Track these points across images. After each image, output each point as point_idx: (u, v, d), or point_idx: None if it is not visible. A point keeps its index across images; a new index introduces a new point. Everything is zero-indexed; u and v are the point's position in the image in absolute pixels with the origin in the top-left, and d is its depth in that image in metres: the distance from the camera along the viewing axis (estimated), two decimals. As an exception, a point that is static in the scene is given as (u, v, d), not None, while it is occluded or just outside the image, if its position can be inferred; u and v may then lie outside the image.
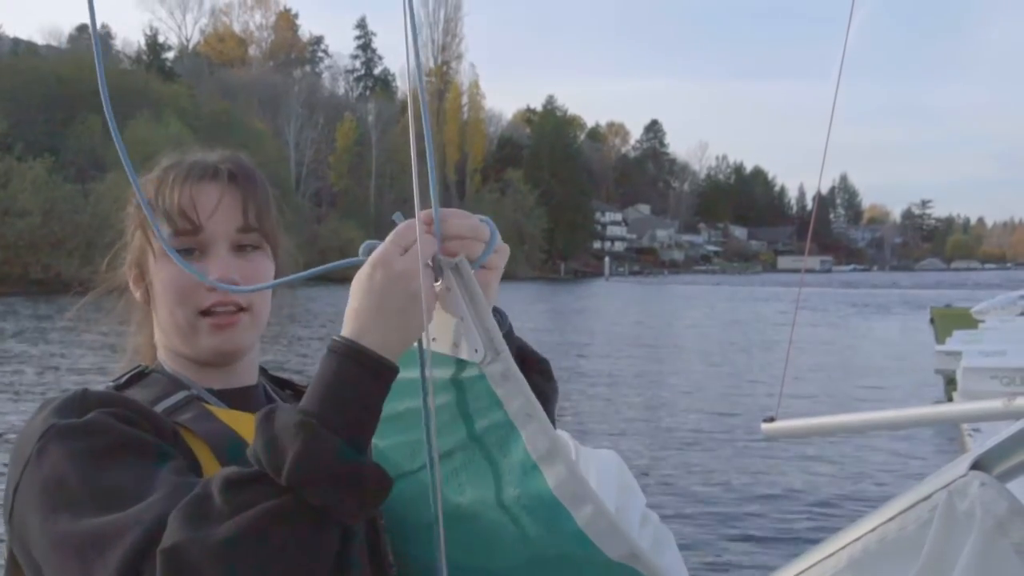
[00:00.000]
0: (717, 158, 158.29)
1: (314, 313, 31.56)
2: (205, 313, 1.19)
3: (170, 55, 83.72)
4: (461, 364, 1.03)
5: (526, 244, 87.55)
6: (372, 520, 1.14)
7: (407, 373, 1.01)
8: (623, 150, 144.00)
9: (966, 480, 1.03)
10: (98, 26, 0.96)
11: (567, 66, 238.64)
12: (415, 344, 1.02)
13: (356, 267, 1.03)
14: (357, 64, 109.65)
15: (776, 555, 7.56)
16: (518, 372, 1.00)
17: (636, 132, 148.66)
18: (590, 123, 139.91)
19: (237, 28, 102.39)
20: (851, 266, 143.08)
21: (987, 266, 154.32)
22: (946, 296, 47.80)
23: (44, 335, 24.24)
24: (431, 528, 1.01)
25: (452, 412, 1.05)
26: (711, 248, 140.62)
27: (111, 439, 1.02)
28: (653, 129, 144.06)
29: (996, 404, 1.89)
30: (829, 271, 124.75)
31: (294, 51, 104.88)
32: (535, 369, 1.26)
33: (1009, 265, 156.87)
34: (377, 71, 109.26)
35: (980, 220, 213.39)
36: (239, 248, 1.22)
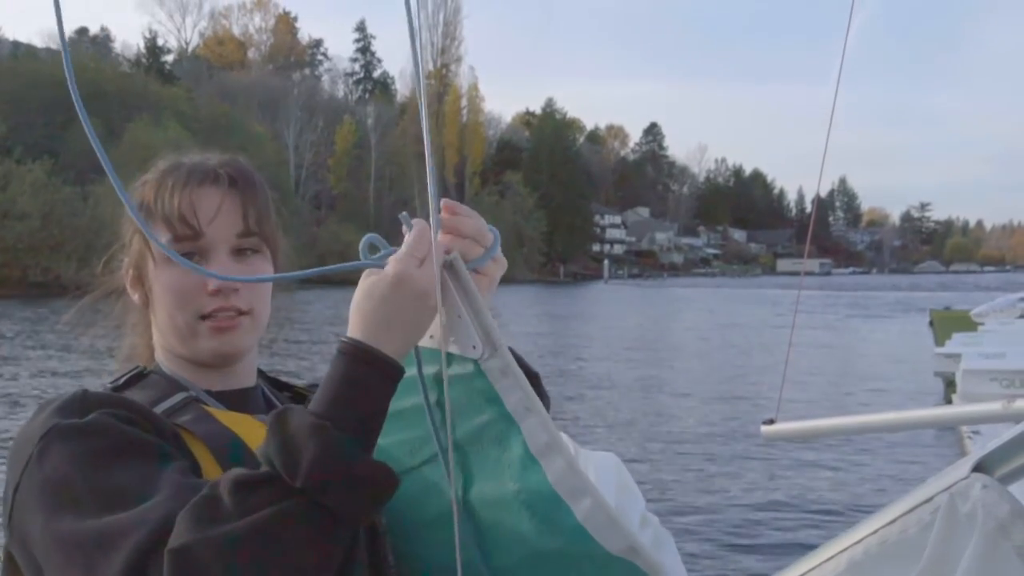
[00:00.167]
0: (716, 161, 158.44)
1: (311, 316, 31.52)
2: (205, 317, 1.19)
3: (169, 58, 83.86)
4: (459, 360, 1.04)
5: (525, 247, 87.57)
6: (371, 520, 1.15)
7: (407, 371, 1.02)
8: (622, 153, 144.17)
9: (968, 482, 1.03)
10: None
11: (566, 69, 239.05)
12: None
13: (362, 270, 1.04)
14: (356, 67, 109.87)
15: (775, 558, 7.55)
16: (516, 367, 1.01)
17: (635, 135, 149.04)
18: (589, 126, 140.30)
19: (236, 31, 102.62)
20: (850, 269, 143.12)
21: (986, 269, 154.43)
22: (945, 298, 47.81)
23: (40, 339, 24.23)
24: (432, 526, 1.01)
25: (451, 408, 1.05)
26: (710, 251, 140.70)
27: (114, 440, 1.02)
28: (652, 132, 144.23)
29: (996, 406, 1.89)
30: (828, 274, 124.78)
31: (293, 54, 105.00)
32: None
33: (1008, 268, 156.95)
34: (376, 74, 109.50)
35: (979, 223, 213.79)
36: (239, 252, 1.22)
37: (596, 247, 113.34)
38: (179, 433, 1.10)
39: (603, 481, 1.45)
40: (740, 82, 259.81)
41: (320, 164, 79.38)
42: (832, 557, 1.15)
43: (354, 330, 1.00)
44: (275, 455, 0.92)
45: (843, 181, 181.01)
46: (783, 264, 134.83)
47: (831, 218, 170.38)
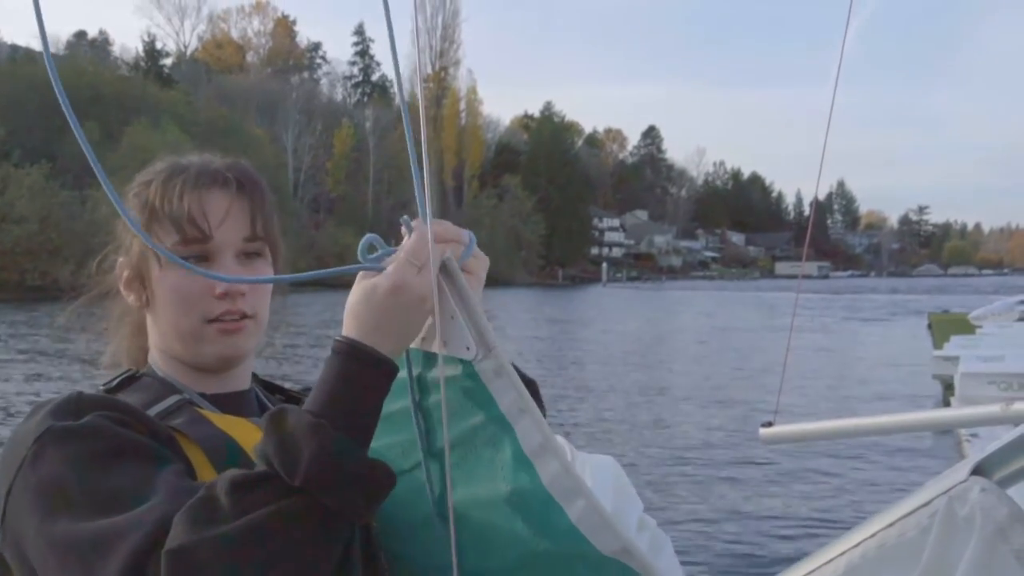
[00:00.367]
0: (715, 164, 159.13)
1: (306, 320, 31.50)
2: (211, 321, 1.19)
3: (168, 61, 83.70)
4: (451, 362, 1.03)
5: (523, 250, 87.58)
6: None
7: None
8: (621, 156, 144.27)
9: (966, 485, 1.03)
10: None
11: (565, 72, 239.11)
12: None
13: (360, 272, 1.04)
14: (355, 70, 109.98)
15: (774, 561, 7.55)
16: (511, 367, 1.01)
17: (634, 138, 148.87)
18: (588, 129, 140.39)
19: (235, 34, 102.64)
20: (849, 272, 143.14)
21: (984, 272, 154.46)
22: (943, 301, 47.86)
23: (33, 342, 24.20)
24: (424, 527, 1.01)
25: (441, 411, 1.04)
26: (709, 254, 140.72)
27: (109, 442, 1.01)
28: (651, 135, 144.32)
29: (994, 409, 1.89)
30: (827, 277, 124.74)
31: (292, 57, 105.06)
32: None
33: (1006, 271, 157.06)
34: (375, 77, 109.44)
35: (977, 226, 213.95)
36: (244, 256, 1.22)
37: (594, 250, 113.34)
38: (174, 436, 1.10)
39: (600, 484, 1.45)
40: (738, 85, 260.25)
41: (318, 167, 79.35)
42: (830, 560, 1.15)
43: (349, 330, 1.00)
44: (273, 454, 0.92)
45: (841, 184, 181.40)
46: (781, 267, 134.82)
47: (829, 221, 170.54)
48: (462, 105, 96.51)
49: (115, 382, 1.22)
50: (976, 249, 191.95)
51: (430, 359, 1.06)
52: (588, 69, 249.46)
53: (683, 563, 1.30)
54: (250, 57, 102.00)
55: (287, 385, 1.41)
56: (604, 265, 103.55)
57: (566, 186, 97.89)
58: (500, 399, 1.00)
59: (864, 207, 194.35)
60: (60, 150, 48.44)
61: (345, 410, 0.96)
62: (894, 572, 1.07)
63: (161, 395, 1.18)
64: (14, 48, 73.52)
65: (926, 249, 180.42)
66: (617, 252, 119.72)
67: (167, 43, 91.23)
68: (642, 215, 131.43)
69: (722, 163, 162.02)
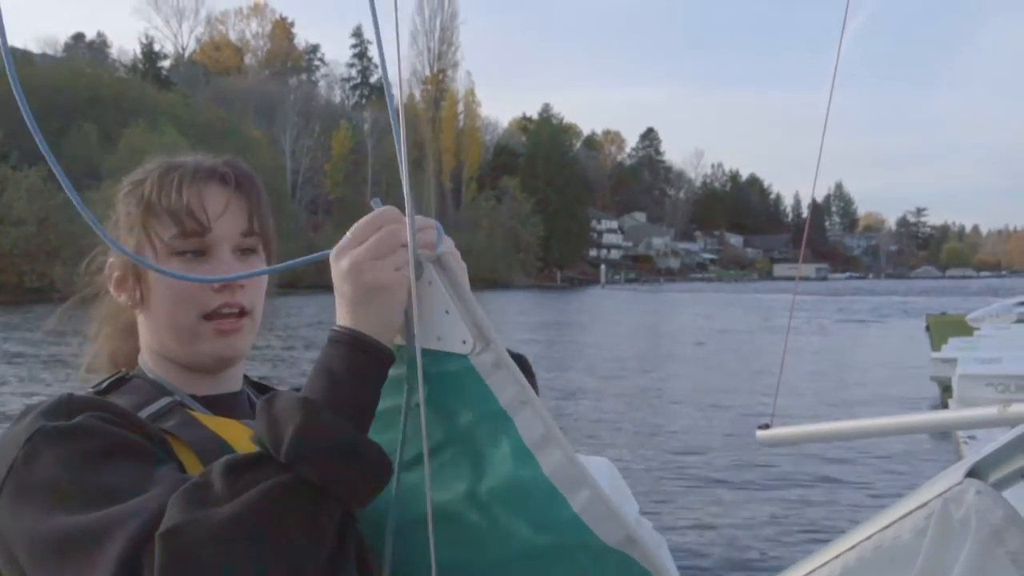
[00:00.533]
0: (713, 166, 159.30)
1: (298, 321, 31.47)
2: (209, 317, 1.19)
3: (166, 63, 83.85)
4: (444, 358, 1.02)
5: (522, 252, 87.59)
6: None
7: (393, 371, 1.02)
8: (619, 158, 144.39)
9: (961, 488, 1.02)
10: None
11: (563, 74, 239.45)
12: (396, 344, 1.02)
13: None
14: (353, 72, 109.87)
15: (770, 564, 7.55)
16: (510, 360, 1.00)
17: (632, 140, 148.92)
18: (586, 131, 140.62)
19: (233, 36, 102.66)
20: (847, 274, 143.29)
21: (982, 274, 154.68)
22: (941, 303, 47.86)
23: (32, 344, 24.17)
24: (414, 527, 1.00)
25: (437, 407, 1.03)
26: (707, 256, 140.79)
27: (103, 441, 1.01)
28: (649, 137, 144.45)
29: (991, 411, 1.88)
30: (825, 279, 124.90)
31: (290, 59, 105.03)
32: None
33: (1004, 273, 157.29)
34: (373, 79, 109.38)
35: (975, 228, 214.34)
36: (240, 252, 1.22)
37: (593, 252, 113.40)
38: (166, 439, 1.09)
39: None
40: (737, 86, 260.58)
41: (317, 169, 79.39)
42: (826, 563, 1.15)
43: (338, 316, 1.02)
44: (263, 434, 0.93)
45: (839, 186, 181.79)
46: (780, 269, 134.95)
47: (827, 223, 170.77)
48: (460, 107, 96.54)
49: (104, 384, 1.20)
50: (974, 251, 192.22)
51: (425, 355, 1.04)
52: (586, 71, 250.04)
53: (678, 565, 1.30)
54: (248, 59, 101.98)
55: (282, 388, 1.41)
56: (602, 267, 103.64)
57: (564, 188, 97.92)
58: (499, 392, 0.99)
59: (862, 209, 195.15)
60: (58, 152, 48.07)
61: (333, 387, 0.96)
62: (890, 574, 1.07)
63: (152, 397, 1.17)
64: (11, 50, 73.48)
65: (924, 251, 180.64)
66: (615, 254, 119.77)
67: (165, 45, 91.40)
68: (640, 217, 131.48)
69: (720, 165, 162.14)
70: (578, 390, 17.92)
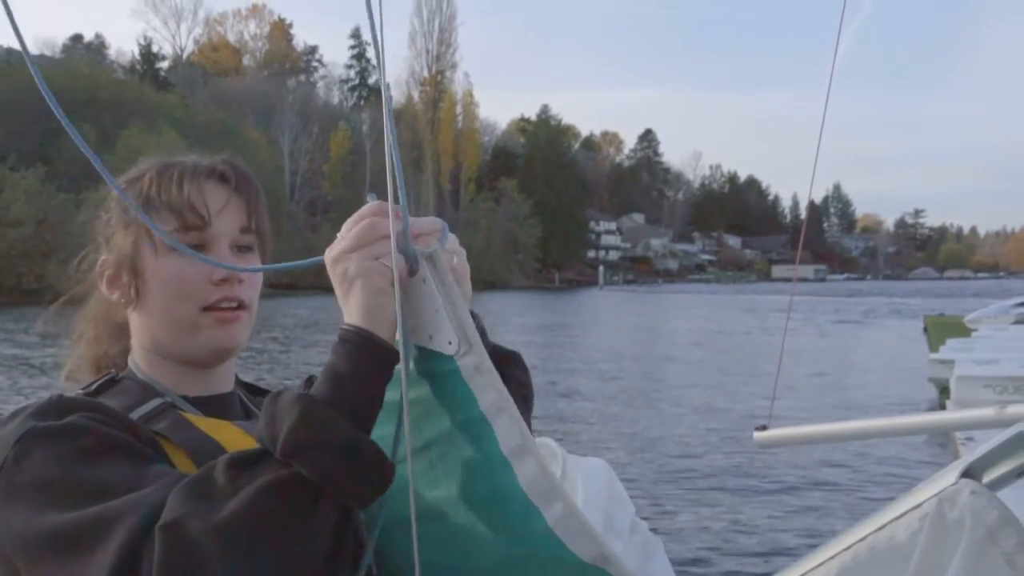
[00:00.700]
0: (711, 167, 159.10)
1: (294, 322, 31.44)
2: (208, 310, 1.19)
3: (164, 65, 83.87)
4: (436, 357, 1.01)
5: (520, 253, 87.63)
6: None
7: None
8: (617, 159, 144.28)
9: (956, 488, 1.03)
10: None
11: (561, 75, 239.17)
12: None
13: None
14: (351, 74, 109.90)
15: (767, 565, 7.54)
16: (491, 365, 0.99)
17: (630, 141, 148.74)
18: (584, 132, 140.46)
19: (231, 38, 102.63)
20: (845, 275, 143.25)
21: (980, 275, 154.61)
22: (939, 304, 47.89)
23: (29, 346, 24.14)
24: (406, 524, 1.00)
25: (428, 405, 1.03)
26: (705, 257, 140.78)
27: (95, 439, 1.00)
28: (647, 138, 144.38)
29: (988, 412, 1.89)
30: (823, 280, 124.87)
31: (288, 61, 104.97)
32: (511, 362, 1.25)
33: (1002, 274, 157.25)
34: (371, 81, 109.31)
35: (973, 229, 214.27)
36: (238, 248, 1.23)
37: (591, 253, 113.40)
38: (158, 440, 1.08)
39: (592, 487, 1.45)
40: (735, 88, 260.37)
41: (315, 170, 79.32)
42: (822, 563, 1.15)
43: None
44: (263, 430, 0.93)
45: (837, 187, 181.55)
46: (778, 270, 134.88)
47: (825, 224, 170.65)
48: (459, 108, 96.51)
49: (94, 386, 1.19)
50: (972, 252, 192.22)
51: (418, 353, 1.04)
52: (585, 72, 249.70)
53: (675, 566, 1.30)
54: (246, 60, 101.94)
55: (270, 388, 1.41)
56: (600, 268, 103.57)
57: (563, 189, 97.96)
58: (480, 396, 0.98)
59: (860, 210, 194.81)
60: (56, 153, 48.43)
61: (333, 384, 0.95)
62: (885, 575, 1.07)
63: (143, 398, 1.16)
64: (9, 52, 73.45)
65: (922, 252, 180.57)
66: (613, 255, 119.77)
67: (163, 46, 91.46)
68: (639, 218, 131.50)
69: (718, 166, 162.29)
70: (575, 391, 17.90)
